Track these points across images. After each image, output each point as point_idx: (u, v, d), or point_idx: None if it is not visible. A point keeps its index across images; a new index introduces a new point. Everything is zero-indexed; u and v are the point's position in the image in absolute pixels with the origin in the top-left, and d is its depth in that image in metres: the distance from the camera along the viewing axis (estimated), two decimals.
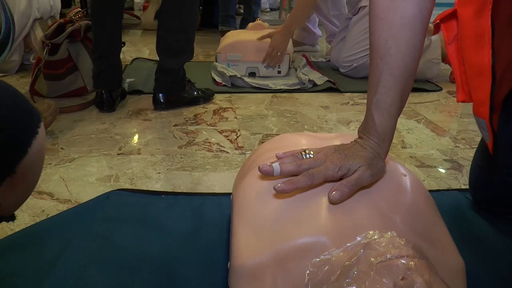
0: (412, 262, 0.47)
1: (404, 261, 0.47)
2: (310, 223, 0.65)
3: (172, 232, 0.91)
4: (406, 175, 0.76)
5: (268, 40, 2.23)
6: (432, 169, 1.28)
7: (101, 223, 0.93)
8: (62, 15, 2.63)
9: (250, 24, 2.57)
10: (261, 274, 0.64)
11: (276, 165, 0.69)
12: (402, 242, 0.51)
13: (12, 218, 0.57)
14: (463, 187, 1.16)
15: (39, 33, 2.18)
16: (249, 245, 0.67)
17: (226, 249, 0.85)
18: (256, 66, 2.24)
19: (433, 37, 2.26)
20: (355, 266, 0.50)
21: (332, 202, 0.66)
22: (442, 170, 1.28)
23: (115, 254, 0.84)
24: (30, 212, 1.00)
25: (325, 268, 0.54)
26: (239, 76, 2.12)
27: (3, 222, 0.60)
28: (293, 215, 0.67)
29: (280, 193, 0.67)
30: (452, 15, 0.89)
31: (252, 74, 2.26)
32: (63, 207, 1.02)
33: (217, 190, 1.12)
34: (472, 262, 0.81)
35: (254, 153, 0.89)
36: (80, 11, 2.05)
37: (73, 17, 1.95)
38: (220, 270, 0.80)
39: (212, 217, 0.98)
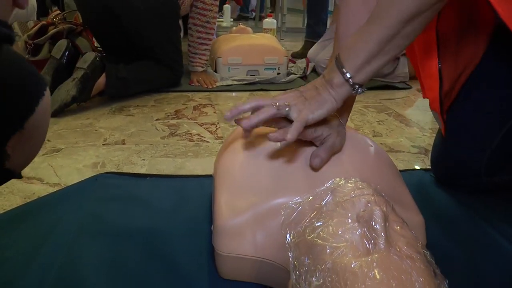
0: (372, 197, 0.55)
1: (365, 197, 0.55)
2: (285, 185, 0.73)
3: (157, 208, 0.98)
4: (372, 146, 0.84)
5: (267, 40, 2.37)
6: (400, 153, 1.37)
7: (91, 201, 0.99)
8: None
9: (234, 29, 2.66)
10: (242, 232, 0.72)
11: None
12: (365, 185, 0.59)
13: (19, 176, 0.62)
14: (428, 168, 1.25)
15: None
16: (230, 207, 0.74)
17: (208, 219, 0.92)
18: (256, 69, 2.31)
19: (401, 58, 2.43)
20: (324, 207, 0.58)
21: (314, 168, 0.73)
22: (410, 154, 1.37)
23: (105, 227, 0.90)
24: (22, 195, 1.05)
25: (298, 210, 0.61)
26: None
27: None
28: (270, 178, 0.74)
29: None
30: None
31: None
32: (53, 190, 1.07)
33: (199, 173, 1.18)
34: (432, 224, 0.90)
35: (234, 132, 0.96)
36: (60, 13, 2.11)
37: (54, 20, 2.01)
38: (204, 235, 0.87)
39: (195, 195, 1.04)
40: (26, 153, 0.61)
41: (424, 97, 1.01)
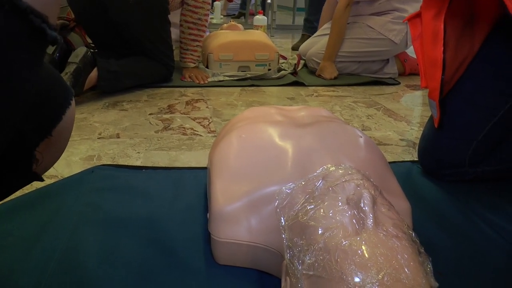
0: (361, 181, 0.58)
1: (354, 182, 0.58)
2: (278, 172, 0.76)
3: (154, 198, 1.01)
4: (362, 137, 0.88)
5: (258, 36, 2.41)
6: (389, 146, 1.41)
7: (88, 192, 1.02)
8: None
9: (225, 25, 2.70)
10: (237, 218, 0.75)
11: None
12: (354, 171, 0.62)
13: (41, 179, 0.65)
14: (415, 160, 1.29)
15: None
16: (226, 194, 0.77)
17: (204, 208, 0.95)
18: (247, 65, 2.34)
19: (390, 59, 2.47)
20: (316, 191, 0.61)
21: None
22: (398, 147, 1.41)
23: (104, 216, 0.93)
24: None
25: (291, 194, 0.64)
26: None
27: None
28: (263, 167, 0.78)
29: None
30: (418, 16, 1.06)
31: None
32: (51, 182, 1.09)
33: (193, 165, 1.21)
34: (418, 211, 0.95)
35: (228, 124, 0.99)
36: None
37: None
38: (200, 223, 0.90)
39: (190, 186, 1.07)
40: (51, 157, 0.65)
41: (422, 87, 1.06)
